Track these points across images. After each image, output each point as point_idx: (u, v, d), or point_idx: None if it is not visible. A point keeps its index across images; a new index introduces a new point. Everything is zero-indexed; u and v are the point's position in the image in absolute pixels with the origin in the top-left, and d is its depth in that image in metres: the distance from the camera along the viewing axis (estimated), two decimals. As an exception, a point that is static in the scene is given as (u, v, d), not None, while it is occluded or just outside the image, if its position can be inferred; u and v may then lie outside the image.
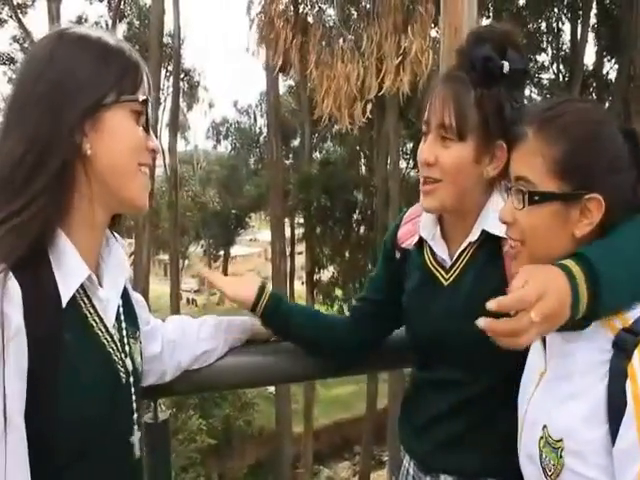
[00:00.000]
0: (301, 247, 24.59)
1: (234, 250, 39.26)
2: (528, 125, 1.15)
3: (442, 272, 1.44)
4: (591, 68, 19.39)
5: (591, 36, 18.22)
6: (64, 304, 1.01)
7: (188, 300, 36.27)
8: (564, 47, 19.68)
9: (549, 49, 20.05)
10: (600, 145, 1.10)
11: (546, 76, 21.12)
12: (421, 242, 1.50)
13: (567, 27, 19.21)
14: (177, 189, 21.44)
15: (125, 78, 1.08)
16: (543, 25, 19.70)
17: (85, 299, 1.08)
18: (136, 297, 1.34)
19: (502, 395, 1.37)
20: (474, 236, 1.40)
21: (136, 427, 1.15)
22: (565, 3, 18.11)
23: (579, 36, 17.42)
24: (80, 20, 21.95)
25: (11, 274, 0.93)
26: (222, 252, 37.33)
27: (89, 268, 1.07)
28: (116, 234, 1.26)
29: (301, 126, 23.40)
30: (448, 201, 1.37)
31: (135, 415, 1.15)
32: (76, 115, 1.02)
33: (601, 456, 1.03)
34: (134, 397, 1.15)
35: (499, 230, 1.35)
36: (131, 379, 1.14)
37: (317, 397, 19.34)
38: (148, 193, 1.15)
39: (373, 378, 16.42)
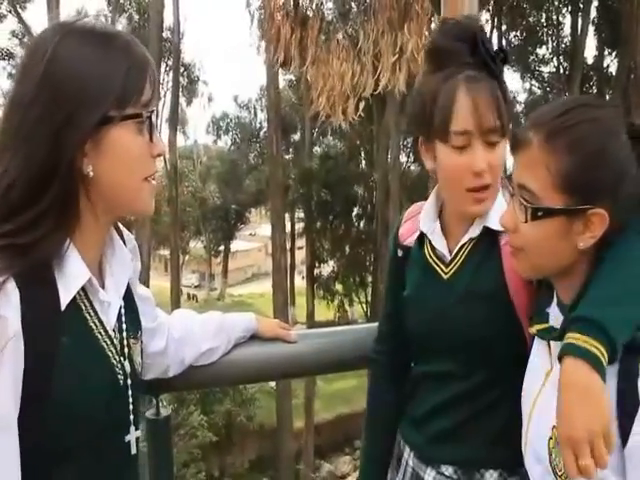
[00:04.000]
0: (301, 242, 24.67)
1: (234, 245, 39.28)
2: (533, 130, 1.10)
3: (442, 266, 1.44)
4: (592, 61, 19.38)
5: (591, 29, 18.20)
6: (63, 307, 1.00)
7: (189, 295, 36.35)
8: (565, 40, 19.66)
9: (549, 42, 20.04)
10: (608, 160, 1.06)
11: (546, 69, 21.12)
12: (421, 238, 1.50)
13: (567, 20, 19.20)
14: (177, 184, 21.42)
15: (129, 84, 1.01)
16: (543, 18, 19.68)
17: (86, 301, 1.06)
18: (143, 293, 1.34)
19: (500, 387, 1.39)
20: (475, 232, 1.40)
21: (133, 427, 1.15)
22: (565, -4, 18.09)
23: (579, 29, 17.40)
24: (79, 14, 21.91)
25: (11, 277, 0.93)
26: (222, 247, 37.36)
27: (91, 270, 1.06)
28: (124, 229, 1.25)
29: (301, 121, 23.41)
30: (493, 200, 1.36)
31: (132, 416, 1.15)
32: (77, 137, 0.98)
33: (612, 456, 1.00)
34: (131, 399, 1.14)
35: (498, 224, 1.34)
36: (129, 381, 1.13)
37: (318, 392, 19.38)
38: (153, 197, 1.12)
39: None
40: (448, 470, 1.44)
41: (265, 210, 33.37)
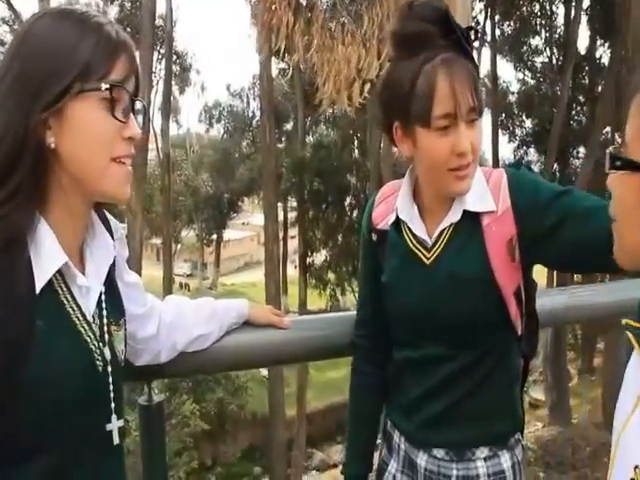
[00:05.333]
0: (294, 231, 24.66)
1: (227, 234, 39.23)
2: None
3: (423, 251, 1.44)
4: (584, 52, 19.39)
5: (584, 19, 18.20)
6: (38, 290, 0.99)
7: (181, 284, 36.33)
8: (558, 30, 19.66)
9: (542, 32, 20.03)
10: None
11: (539, 59, 21.14)
12: (397, 222, 1.49)
13: (561, 10, 19.20)
14: (169, 173, 21.37)
15: (95, 59, 1.01)
16: (537, 8, 19.66)
17: (63, 286, 1.05)
18: (131, 279, 1.33)
19: (486, 367, 1.42)
20: (456, 217, 1.40)
21: (114, 415, 1.13)
22: (559, -14, 18.07)
23: (572, 19, 17.39)
24: (70, 2, 21.74)
25: None
26: (215, 236, 37.30)
27: (70, 254, 1.05)
28: (111, 217, 1.24)
29: (294, 109, 23.36)
30: (473, 177, 1.37)
31: (113, 404, 1.13)
32: (38, 108, 0.98)
33: None
34: (112, 386, 1.12)
35: (477, 206, 1.38)
36: (109, 368, 1.11)
37: (310, 381, 19.41)
38: (128, 183, 1.09)
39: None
40: (440, 453, 1.47)
41: (258, 199, 33.29)
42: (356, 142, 22.64)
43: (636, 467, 0.90)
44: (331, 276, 22.28)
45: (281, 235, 21.23)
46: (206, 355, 1.56)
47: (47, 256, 1.01)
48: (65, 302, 1.05)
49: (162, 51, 22.70)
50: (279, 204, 20.88)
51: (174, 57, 24.50)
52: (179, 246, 37.72)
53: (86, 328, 1.07)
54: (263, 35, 8.26)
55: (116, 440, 1.13)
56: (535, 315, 1.51)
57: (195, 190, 33.25)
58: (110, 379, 1.11)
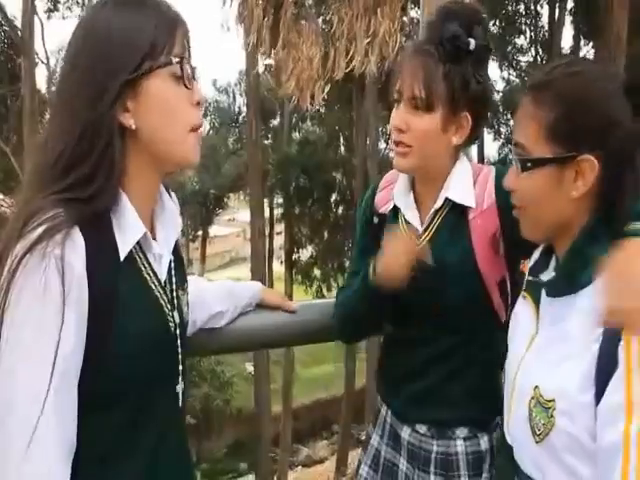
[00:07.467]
0: (280, 227, 24.62)
1: (213, 230, 39.04)
2: (527, 90, 1.18)
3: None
4: (568, 52, 19.53)
5: (568, 20, 18.34)
6: (122, 258, 1.08)
7: (166, 280, 36.01)
8: (542, 30, 19.79)
9: (527, 32, 20.16)
10: (591, 107, 1.10)
11: (524, 59, 21.27)
12: (395, 209, 1.60)
13: (545, 10, 19.33)
14: (155, 169, 21.19)
15: (158, 37, 1.09)
16: (522, 7, 19.79)
17: (140, 254, 1.14)
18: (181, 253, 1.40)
19: (467, 351, 1.51)
20: (438, 204, 1.51)
21: (181, 377, 1.23)
22: (544, -14, 18.20)
23: (557, 20, 17.52)
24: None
25: (77, 229, 1.02)
26: (200, 232, 37.14)
27: (145, 224, 1.13)
28: (170, 190, 1.32)
29: (280, 105, 23.33)
30: (417, 164, 1.49)
31: (180, 366, 1.23)
32: (114, 93, 1.05)
33: (589, 417, 1.03)
34: (180, 349, 1.22)
35: (462, 198, 1.49)
36: (177, 331, 1.21)
37: (296, 377, 19.45)
38: (199, 146, 1.18)
39: (351, 357, 16.59)
40: (422, 429, 1.56)
41: (244, 195, 33.22)
42: (342, 139, 22.66)
43: (536, 387, 1.14)
44: (317, 272, 22.30)
45: (267, 231, 21.21)
46: (219, 335, 1.62)
47: (129, 228, 1.10)
48: (142, 269, 1.15)
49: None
50: (265, 200, 20.86)
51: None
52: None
53: (161, 292, 1.18)
54: (239, 27, 8.30)
55: (180, 401, 1.22)
56: None
57: (180, 186, 33.04)
58: (178, 341, 1.21)
